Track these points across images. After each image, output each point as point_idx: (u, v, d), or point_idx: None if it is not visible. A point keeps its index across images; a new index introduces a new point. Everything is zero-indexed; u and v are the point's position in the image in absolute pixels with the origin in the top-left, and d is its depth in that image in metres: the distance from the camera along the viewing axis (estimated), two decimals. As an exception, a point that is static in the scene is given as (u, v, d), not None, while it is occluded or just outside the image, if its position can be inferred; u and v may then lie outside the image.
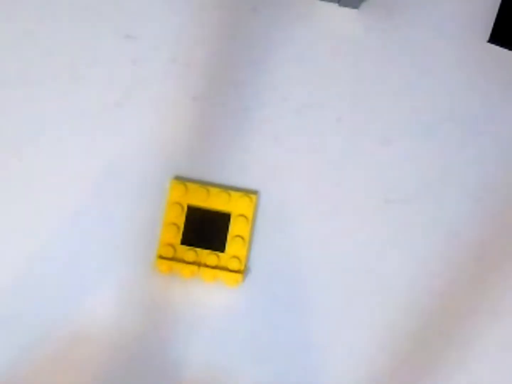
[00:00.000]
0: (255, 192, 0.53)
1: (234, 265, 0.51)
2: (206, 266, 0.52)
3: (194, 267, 0.52)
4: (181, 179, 0.53)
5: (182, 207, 0.52)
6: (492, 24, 0.55)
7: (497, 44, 0.55)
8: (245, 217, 0.52)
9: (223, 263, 0.52)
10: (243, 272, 0.52)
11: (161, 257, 0.52)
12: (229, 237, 0.52)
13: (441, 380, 0.51)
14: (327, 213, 0.52)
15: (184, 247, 0.52)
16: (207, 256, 0.52)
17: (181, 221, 0.52)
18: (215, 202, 0.52)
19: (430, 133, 0.54)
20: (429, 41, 0.55)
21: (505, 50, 0.55)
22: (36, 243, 0.52)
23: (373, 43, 0.55)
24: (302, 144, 0.53)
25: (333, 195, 0.53)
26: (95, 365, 0.51)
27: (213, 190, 0.52)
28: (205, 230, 0.52)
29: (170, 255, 0.52)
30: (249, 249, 0.52)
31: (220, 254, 0.52)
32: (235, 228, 0.52)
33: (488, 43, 0.55)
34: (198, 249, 0.52)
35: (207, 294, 0.52)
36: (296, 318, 0.51)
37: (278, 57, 0.54)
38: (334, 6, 0.55)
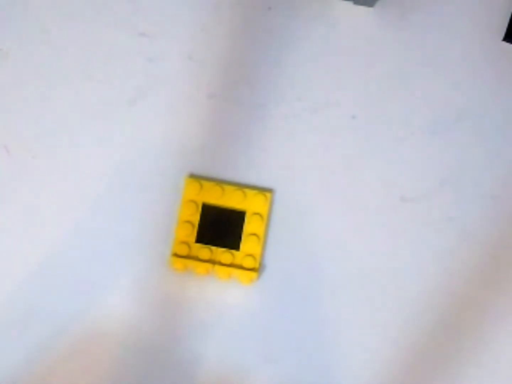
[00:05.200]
0: (270, 190, 0.53)
1: (248, 263, 0.51)
2: (221, 264, 0.52)
3: (209, 265, 0.52)
4: (196, 177, 0.53)
5: (197, 205, 0.52)
6: (507, 22, 0.55)
7: (512, 43, 0.55)
8: (260, 215, 0.52)
9: (237, 261, 0.52)
10: (257, 270, 0.52)
11: (176, 255, 0.52)
12: (243, 235, 0.52)
13: (456, 377, 0.51)
14: (342, 211, 0.52)
15: (199, 245, 0.52)
16: (221, 254, 0.52)
17: (196, 219, 0.52)
18: (230, 200, 0.52)
19: (445, 131, 0.54)
20: (443, 39, 0.55)
21: (520, 49, 0.55)
22: (51, 240, 0.52)
23: (387, 41, 0.55)
24: (318, 142, 0.53)
25: (348, 193, 0.53)
26: (110, 362, 0.50)
27: (228, 188, 0.52)
28: (220, 228, 0.52)
29: (185, 253, 0.52)
30: (263, 247, 0.52)
31: (235, 252, 0.52)
32: (250, 226, 0.52)
33: (503, 42, 0.55)
34: (212, 247, 0.52)
35: (221, 292, 0.52)
36: (310, 316, 0.51)
37: (293, 55, 0.54)
38: (349, 4, 0.55)
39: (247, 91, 0.54)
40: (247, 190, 0.52)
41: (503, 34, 0.55)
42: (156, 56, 0.54)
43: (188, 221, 0.52)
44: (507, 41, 0.55)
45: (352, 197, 0.53)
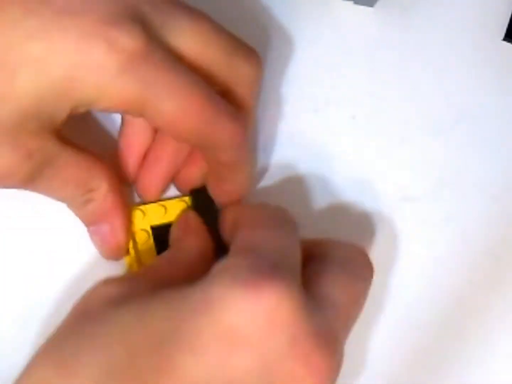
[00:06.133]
0: None
1: None
2: None
3: None
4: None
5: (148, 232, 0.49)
6: (507, 22, 0.55)
7: (513, 42, 0.55)
8: None
9: None
10: None
11: None
12: None
13: (457, 378, 0.50)
14: (343, 212, 0.52)
15: None
16: None
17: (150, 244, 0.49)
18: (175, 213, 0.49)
19: (445, 131, 0.54)
20: (444, 39, 0.55)
21: (521, 49, 0.55)
22: (47, 240, 0.51)
23: (388, 41, 0.55)
24: (318, 142, 0.53)
25: (348, 194, 0.52)
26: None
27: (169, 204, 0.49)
28: None
29: None
30: None
31: None
32: None
33: (504, 41, 0.55)
34: None
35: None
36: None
37: (292, 56, 0.54)
38: (349, 4, 0.55)
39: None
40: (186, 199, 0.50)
41: (503, 34, 0.55)
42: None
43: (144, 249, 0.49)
44: (508, 41, 0.55)
45: (352, 197, 0.52)
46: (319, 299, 0.40)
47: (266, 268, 0.38)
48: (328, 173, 0.53)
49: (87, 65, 0.41)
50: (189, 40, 0.45)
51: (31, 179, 0.45)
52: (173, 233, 0.48)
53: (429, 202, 0.53)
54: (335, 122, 0.53)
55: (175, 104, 0.43)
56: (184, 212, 0.49)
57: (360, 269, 0.44)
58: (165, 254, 0.47)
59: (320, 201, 0.52)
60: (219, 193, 0.49)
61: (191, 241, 0.47)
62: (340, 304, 0.41)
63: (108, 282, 0.42)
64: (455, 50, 0.55)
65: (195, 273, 0.41)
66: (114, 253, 0.49)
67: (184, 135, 0.45)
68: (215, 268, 0.40)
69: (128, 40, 0.42)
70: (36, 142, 0.43)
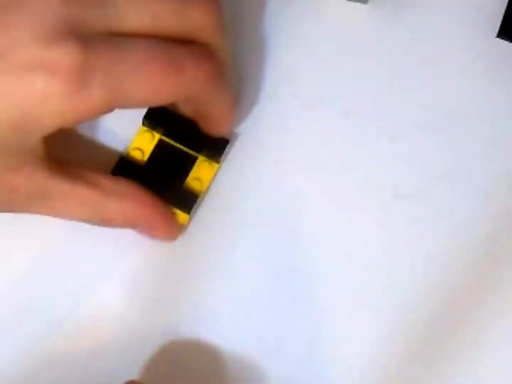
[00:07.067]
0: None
1: None
2: None
3: None
4: None
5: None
6: (501, 19, 0.55)
7: (506, 39, 0.55)
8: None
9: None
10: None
11: None
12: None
13: (450, 375, 0.50)
14: (335, 209, 0.52)
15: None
16: None
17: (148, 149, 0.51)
18: None
19: (438, 128, 0.54)
20: (438, 36, 0.55)
21: (514, 46, 0.55)
22: (41, 237, 0.51)
23: (381, 39, 0.55)
24: (311, 139, 0.53)
25: (341, 190, 0.52)
26: (103, 361, 0.50)
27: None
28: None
29: None
30: None
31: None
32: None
33: (497, 38, 0.55)
34: None
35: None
36: (303, 313, 0.51)
37: (286, 52, 0.55)
38: (343, 1, 0.55)
39: (240, 86, 0.53)
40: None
41: (497, 31, 0.55)
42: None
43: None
44: (501, 38, 0.55)
45: (346, 194, 0.52)
46: None
47: None
48: (319, 171, 0.53)
49: (38, 98, 0.41)
50: (133, 20, 0.43)
51: (20, 209, 0.46)
52: None
53: (423, 199, 0.53)
54: (327, 119, 0.53)
55: (142, 89, 0.43)
56: None
57: None
58: None
59: (310, 199, 0.52)
60: (211, 121, 0.50)
61: None
62: None
63: None
64: (449, 47, 0.55)
65: None
66: (167, 238, 0.51)
67: (161, 102, 0.45)
68: None
69: (65, 57, 0.41)
70: (19, 177, 0.44)
